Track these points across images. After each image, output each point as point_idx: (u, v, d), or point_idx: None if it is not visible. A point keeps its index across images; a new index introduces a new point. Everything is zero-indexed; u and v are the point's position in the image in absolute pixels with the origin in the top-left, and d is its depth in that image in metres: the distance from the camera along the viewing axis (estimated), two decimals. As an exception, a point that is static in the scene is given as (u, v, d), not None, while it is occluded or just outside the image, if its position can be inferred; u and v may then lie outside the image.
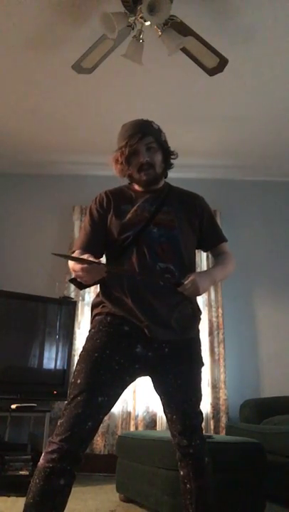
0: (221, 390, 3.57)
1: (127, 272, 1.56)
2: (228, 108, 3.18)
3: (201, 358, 1.65)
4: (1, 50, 2.66)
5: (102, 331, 1.54)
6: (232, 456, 2.24)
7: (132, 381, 1.56)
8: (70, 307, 3.58)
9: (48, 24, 2.44)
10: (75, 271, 1.49)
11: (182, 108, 3.17)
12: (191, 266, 1.66)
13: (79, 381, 1.45)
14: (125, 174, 1.71)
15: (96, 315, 1.61)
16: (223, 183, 4.13)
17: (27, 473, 2.82)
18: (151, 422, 3.48)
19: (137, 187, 1.74)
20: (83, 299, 3.78)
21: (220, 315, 3.76)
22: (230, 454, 2.26)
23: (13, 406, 3.00)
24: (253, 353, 3.80)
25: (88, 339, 1.55)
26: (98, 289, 1.67)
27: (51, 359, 3.42)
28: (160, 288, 1.54)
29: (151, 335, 1.50)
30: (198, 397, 1.61)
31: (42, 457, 1.37)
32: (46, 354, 3.41)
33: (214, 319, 3.76)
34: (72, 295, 3.75)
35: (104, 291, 1.62)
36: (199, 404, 1.61)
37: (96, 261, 1.45)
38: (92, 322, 1.62)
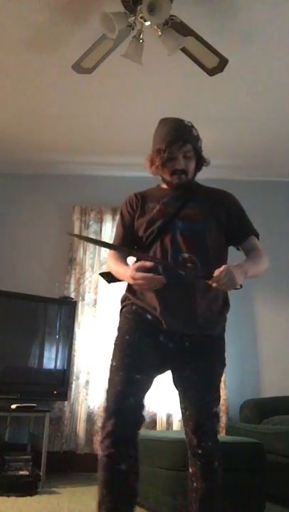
0: (221, 390, 3.55)
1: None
2: (228, 108, 3.18)
3: (223, 357, 1.66)
4: (1, 50, 2.66)
5: (128, 318, 1.59)
6: (232, 456, 2.24)
7: (161, 370, 1.57)
8: (70, 307, 3.58)
9: (48, 24, 2.44)
10: (135, 279, 1.49)
11: (182, 108, 3.15)
12: (217, 261, 1.60)
13: (114, 363, 1.50)
14: (157, 174, 1.75)
15: (123, 307, 1.66)
16: (223, 183, 4.06)
17: (27, 473, 2.83)
18: (151, 422, 3.48)
19: (165, 186, 1.78)
20: (83, 299, 3.77)
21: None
22: (230, 454, 2.25)
23: (13, 406, 3.01)
24: (253, 353, 3.80)
25: (118, 329, 1.60)
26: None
27: (51, 359, 3.42)
28: (191, 281, 1.54)
29: (167, 326, 1.51)
30: (214, 396, 1.58)
31: (99, 449, 1.40)
32: (46, 354, 3.41)
33: (214, 319, 3.76)
34: (72, 295, 3.75)
35: (129, 286, 1.64)
36: (215, 405, 1.57)
37: (125, 249, 1.60)
38: (120, 314, 1.66)
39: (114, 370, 1.49)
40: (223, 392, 3.55)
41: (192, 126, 1.74)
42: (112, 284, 1.76)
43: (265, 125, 3.38)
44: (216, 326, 1.65)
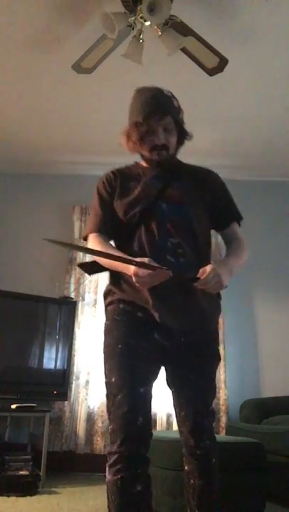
0: (221, 390, 3.57)
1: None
2: (228, 108, 3.18)
3: (218, 352, 1.54)
4: (1, 50, 2.66)
5: (117, 320, 1.44)
6: (232, 456, 2.24)
7: (158, 372, 1.45)
8: (70, 307, 3.58)
9: (48, 24, 2.44)
10: (138, 276, 1.33)
11: (182, 108, 3.16)
12: (205, 245, 1.53)
13: (113, 379, 1.35)
14: (135, 151, 1.60)
15: (108, 305, 1.52)
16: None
17: (27, 473, 2.82)
18: (151, 422, 3.47)
19: (145, 164, 1.63)
20: (83, 299, 3.77)
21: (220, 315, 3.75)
22: (230, 454, 2.25)
23: (13, 406, 3.00)
24: (253, 353, 3.80)
25: (106, 333, 1.45)
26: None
27: (51, 359, 3.42)
28: (177, 268, 1.40)
29: (160, 320, 1.38)
30: (211, 394, 1.50)
31: (107, 472, 1.27)
32: (46, 354, 3.41)
33: (214, 319, 3.76)
34: (72, 295, 3.75)
35: (113, 278, 1.51)
36: (212, 402, 1.49)
37: (129, 258, 1.33)
38: (105, 313, 1.52)
39: (114, 387, 1.33)
40: (223, 392, 3.56)
41: (172, 97, 1.60)
42: (93, 275, 1.64)
43: (265, 125, 3.38)
44: (214, 320, 1.55)
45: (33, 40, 2.56)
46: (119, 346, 1.38)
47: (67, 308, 3.57)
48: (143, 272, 1.32)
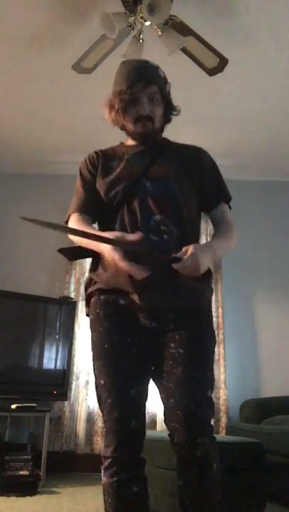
0: (221, 390, 3.57)
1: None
2: (228, 108, 3.18)
3: (213, 333, 1.38)
4: (1, 50, 2.66)
5: (99, 315, 1.35)
6: (232, 456, 2.24)
7: (152, 363, 1.34)
8: (70, 307, 3.58)
9: (48, 24, 2.44)
10: (119, 266, 1.27)
11: (182, 108, 3.15)
12: (191, 222, 1.42)
13: (102, 381, 1.28)
14: (118, 123, 1.51)
15: (89, 296, 1.44)
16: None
17: (27, 473, 2.83)
18: (151, 422, 3.48)
19: (130, 142, 1.54)
20: (83, 299, 3.77)
21: (220, 315, 3.75)
22: (230, 454, 2.25)
23: (13, 406, 3.00)
24: (253, 353, 3.80)
25: (92, 329, 1.37)
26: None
27: (51, 359, 3.42)
28: (161, 246, 1.32)
29: (142, 302, 1.28)
30: (206, 376, 1.27)
31: (102, 474, 1.23)
32: (46, 354, 3.41)
33: (214, 319, 3.76)
34: (72, 295, 3.75)
35: (92, 265, 1.46)
36: (208, 387, 1.27)
37: (104, 235, 1.26)
38: (87, 306, 1.46)
39: (104, 390, 1.26)
40: (223, 392, 3.56)
41: (158, 68, 1.52)
42: (75, 261, 1.57)
43: (265, 125, 3.38)
44: (204, 296, 1.39)
45: (33, 40, 2.56)
46: (106, 346, 1.30)
47: (67, 308, 3.56)
48: (125, 265, 1.26)
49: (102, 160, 1.52)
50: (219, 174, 1.55)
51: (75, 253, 1.53)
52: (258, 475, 2.26)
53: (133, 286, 1.29)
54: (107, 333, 1.32)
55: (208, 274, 1.39)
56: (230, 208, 1.54)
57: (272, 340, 3.82)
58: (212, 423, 1.29)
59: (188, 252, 1.22)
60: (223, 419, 3.49)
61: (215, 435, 1.28)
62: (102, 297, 1.38)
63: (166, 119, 1.55)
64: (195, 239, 1.45)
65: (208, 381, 1.27)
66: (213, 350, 1.38)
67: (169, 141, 1.58)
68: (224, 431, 3.39)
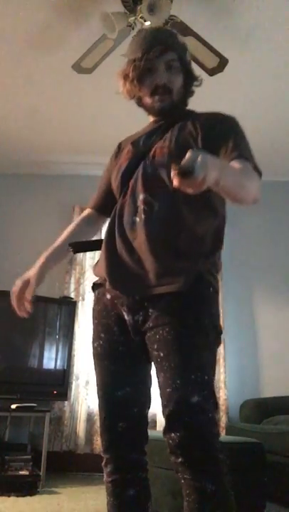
0: (221, 390, 3.57)
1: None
2: (227, 108, 3.16)
3: (204, 321, 1.14)
4: (1, 50, 2.66)
5: (94, 311, 1.31)
6: (232, 456, 2.24)
7: (146, 364, 1.23)
8: (70, 307, 3.58)
9: (48, 24, 2.44)
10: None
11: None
12: (188, 202, 1.18)
13: (96, 381, 1.26)
14: (134, 96, 1.37)
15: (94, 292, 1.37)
16: (223, 183, 4.12)
17: (27, 473, 2.82)
18: (151, 422, 3.47)
19: (151, 118, 1.40)
20: (83, 299, 3.77)
21: (220, 315, 3.75)
22: (230, 454, 2.25)
23: (13, 406, 3.00)
24: (253, 353, 3.80)
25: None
26: None
27: (51, 359, 3.42)
28: (134, 228, 1.21)
29: (111, 285, 1.21)
30: (190, 379, 1.07)
31: (104, 471, 1.23)
32: (46, 354, 3.41)
33: (214, 319, 3.76)
34: (72, 295, 3.75)
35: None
36: (194, 391, 1.06)
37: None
38: None
39: (97, 390, 1.25)
40: (223, 392, 3.56)
41: (178, 34, 1.38)
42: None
43: (265, 125, 3.38)
44: (179, 278, 1.14)
45: (33, 40, 2.56)
46: (95, 345, 1.26)
47: (67, 308, 3.57)
48: (15, 287, 1.48)
49: (117, 149, 1.45)
50: (236, 137, 1.28)
51: (80, 247, 1.50)
52: (258, 475, 2.26)
53: (106, 271, 1.23)
54: (96, 331, 1.27)
55: (203, 240, 1.21)
56: (259, 174, 1.22)
57: (272, 340, 3.82)
58: (208, 429, 1.07)
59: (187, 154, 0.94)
60: (223, 419, 3.49)
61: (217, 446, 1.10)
62: (96, 292, 1.33)
63: (188, 91, 1.39)
64: (196, 219, 1.21)
65: (194, 384, 1.07)
66: (208, 344, 1.14)
67: (191, 113, 1.39)
68: (224, 431, 3.39)
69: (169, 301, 1.14)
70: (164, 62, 1.30)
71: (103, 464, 1.23)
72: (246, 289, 3.93)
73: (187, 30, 2.19)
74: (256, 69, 2.77)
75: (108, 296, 1.25)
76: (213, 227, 1.25)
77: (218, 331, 1.19)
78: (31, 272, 1.46)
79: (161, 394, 1.11)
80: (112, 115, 3.28)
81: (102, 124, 3.38)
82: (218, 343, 1.19)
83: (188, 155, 0.92)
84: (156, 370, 1.13)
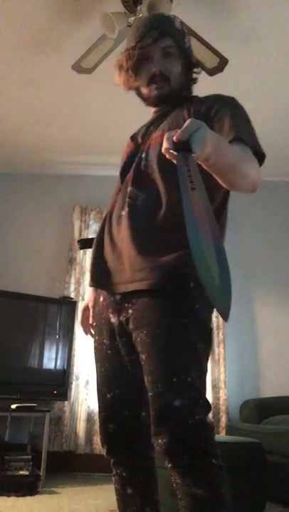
0: (221, 390, 3.57)
1: None
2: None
3: (177, 323, 1.06)
4: (1, 50, 2.66)
5: (93, 312, 1.30)
6: (232, 456, 2.24)
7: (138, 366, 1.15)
8: (70, 307, 3.58)
9: (48, 24, 2.44)
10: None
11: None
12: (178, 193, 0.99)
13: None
14: (132, 86, 1.31)
15: None
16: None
17: (27, 473, 2.82)
18: (151, 422, 3.48)
19: (152, 109, 1.34)
20: (83, 299, 3.77)
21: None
22: (230, 454, 2.25)
23: (13, 406, 3.00)
24: (253, 353, 3.80)
25: None
26: None
27: (51, 359, 3.42)
28: (120, 222, 1.18)
29: (94, 280, 1.21)
30: (172, 382, 1.01)
31: None
32: (46, 354, 3.41)
33: (214, 319, 3.76)
34: (72, 295, 3.75)
35: None
36: (176, 394, 1.00)
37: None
38: None
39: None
40: (223, 392, 3.56)
41: (175, 18, 1.29)
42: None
43: (265, 125, 3.38)
44: (153, 274, 1.06)
45: (33, 40, 2.56)
46: (95, 345, 1.25)
47: (67, 308, 3.56)
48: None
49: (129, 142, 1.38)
50: (234, 117, 1.17)
51: (86, 244, 1.44)
52: (258, 475, 2.26)
53: (90, 269, 1.23)
54: (94, 334, 1.28)
55: (172, 245, 1.09)
56: (260, 159, 1.12)
57: (272, 340, 3.82)
58: (197, 433, 1.01)
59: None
60: (223, 419, 3.49)
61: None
62: (94, 295, 1.32)
63: (189, 78, 1.32)
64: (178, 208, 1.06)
65: (176, 387, 1.01)
66: (189, 343, 1.05)
67: (192, 98, 1.32)
68: (224, 431, 3.40)
69: (145, 300, 1.08)
70: (160, 49, 1.24)
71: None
72: (246, 289, 3.93)
73: (187, 30, 2.19)
74: (256, 69, 2.77)
75: (101, 299, 1.24)
76: None
77: (203, 327, 1.10)
78: (87, 300, 1.42)
79: (149, 398, 1.06)
80: (112, 115, 3.28)
81: (102, 124, 3.38)
82: (206, 340, 1.10)
83: (186, 124, 0.88)
84: (143, 372, 1.08)
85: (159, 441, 1.01)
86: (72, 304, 3.61)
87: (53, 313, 3.52)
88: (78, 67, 2.41)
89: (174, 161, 0.90)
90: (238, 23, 2.41)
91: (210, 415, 1.05)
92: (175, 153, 0.89)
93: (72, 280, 3.82)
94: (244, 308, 3.90)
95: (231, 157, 1.01)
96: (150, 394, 1.04)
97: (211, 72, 2.40)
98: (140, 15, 2.13)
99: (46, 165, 4.08)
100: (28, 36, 2.53)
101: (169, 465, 1.00)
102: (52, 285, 3.72)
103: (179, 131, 0.88)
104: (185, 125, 0.88)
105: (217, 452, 1.02)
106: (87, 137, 3.64)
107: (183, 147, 0.88)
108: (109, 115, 3.25)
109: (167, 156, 0.91)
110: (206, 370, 1.11)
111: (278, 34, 2.49)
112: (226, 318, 0.81)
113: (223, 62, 2.34)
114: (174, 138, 0.88)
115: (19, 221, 4.03)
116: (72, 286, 3.79)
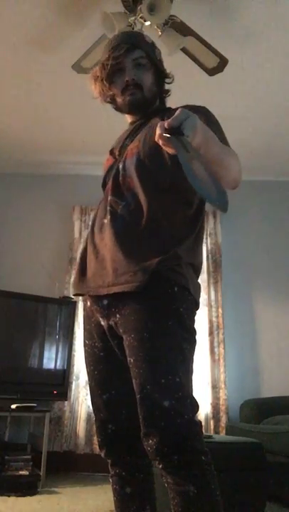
0: (221, 390, 3.57)
1: None
2: (228, 108, 3.18)
3: (162, 325, 1.08)
4: (1, 50, 2.66)
5: (83, 317, 1.31)
6: (232, 456, 2.24)
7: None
8: (70, 307, 3.58)
9: (48, 24, 2.44)
10: None
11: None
12: (158, 200, 1.18)
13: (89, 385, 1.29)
14: (107, 97, 1.39)
15: None
16: (223, 183, 4.11)
17: (27, 473, 2.82)
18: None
19: (128, 119, 1.42)
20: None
21: (220, 315, 3.76)
22: (230, 454, 2.25)
23: (13, 406, 3.00)
24: (253, 353, 3.80)
25: None
26: None
27: (51, 359, 3.42)
28: (101, 234, 1.23)
29: (75, 288, 1.26)
30: (158, 383, 1.03)
31: None
32: (46, 354, 3.41)
33: (214, 319, 3.76)
34: (72, 295, 3.74)
35: None
36: (165, 395, 1.03)
37: None
38: None
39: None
40: (223, 392, 3.56)
41: (145, 35, 1.40)
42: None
43: (265, 125, 3.38)
44: (135, 277, 1.10)
45: (33, 40, 2.56)
46: (84, 351, 1.28)
47: (67, 308, 3.57)
48: None
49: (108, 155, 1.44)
50: (210, 125, 1.19)
51: None
52: (258, 475, 2.26)
53: (75, 276, 1.27)
54: (84, 337, 1.29)
55: (153, 249, 1.13)
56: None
57: (272, 340, 3.82)
58: (186, 432, 1.03)
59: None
60: (223, 419, 3.49)
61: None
62: (82, 298, 1.39)
63: (161, 89, 1.40)
64: (167, 219, 1.18)
65: (164, 388, 1.04)
66: (175, 345, 1.08)
67: (166, 110, 1.37)
68: (224, 431, 3.39)
69: (131, 305, 1.11)
70: (132, 60, 1.32)
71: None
72: (246, 288, 3.93)
73: (187, 30, 2.20)
74: (256, 69, 2.77)
75: (88, 303, 1.26)
76: (184, 221, 1.22)
77: (188, 329, 1.13)
78: None
79: (137, 400, 1.08)
80: (112, 115, 3.27)
81: (102, 124, 3.38)
82: (190, 341, 1.13)
83: (176, 113, 0.93)
84: (132, 376, 1.10)
85: (150, 441, 1.03)
86: (72, 304, 3.61)
87: (53, 314, 3.52)
88: (78, 67, 2.41)
89: (168, 149, 0.95)
90: (238, 23, 2.41)
91: (197, 414, 1.08)
92: (168, 135, 0.93)
93: (72, 280, 3.81)
94: (244, 308, 3.90)
95: (218, 148, 1.10)
96: (138, 396, 1.06)
97: (211, 72, 2.40)
98: (140, 15, 2.13)
99: (46, 165, 4.08)
100: (28, 36, 2.53)
101: (160, 465, 1.03)
102: (52, 285, 3.73)
103: (170, 119, 0.93)
104: (176, 114, 0.93)
105: (206, 449, 1.05)
106: (87, 137, 3.64)
107: (175, 132, 0.92)
108: (109, 115, 3.24)
109: (160, 142, 0.95)
110: (192, 370, 1.13)
111: (278, 34, 2.49)
112: (224, 209, 0.85)
113: (223, 62, 2.34)
114: (166, 125, 0.93)
115: (19, 221, 4.03)
116: (72, 286, 3.79)
